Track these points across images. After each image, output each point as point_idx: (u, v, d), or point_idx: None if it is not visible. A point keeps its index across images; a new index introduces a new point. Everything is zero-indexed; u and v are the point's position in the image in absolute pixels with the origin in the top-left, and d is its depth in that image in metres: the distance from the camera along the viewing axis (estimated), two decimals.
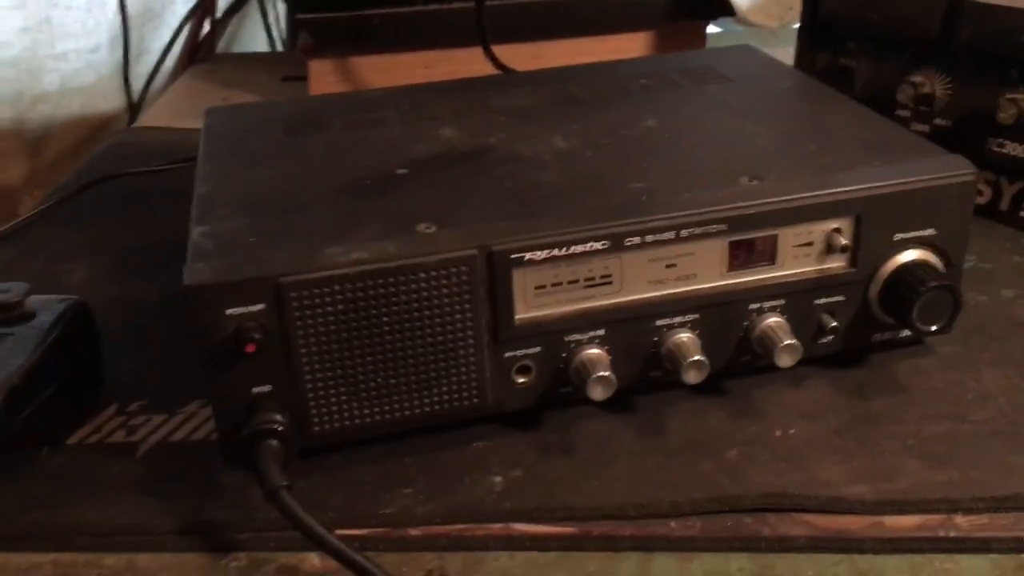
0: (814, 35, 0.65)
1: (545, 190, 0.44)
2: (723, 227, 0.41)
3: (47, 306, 0.45)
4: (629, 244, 0.40)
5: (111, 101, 1.05)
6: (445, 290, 0.39)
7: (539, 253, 0.40)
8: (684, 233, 0.41)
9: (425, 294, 0.39)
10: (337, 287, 0.38)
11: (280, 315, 0.38)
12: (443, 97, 0.56)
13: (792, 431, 0.42)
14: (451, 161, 0.47)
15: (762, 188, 0.42)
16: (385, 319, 0.39)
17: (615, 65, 0.62)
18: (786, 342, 0.42)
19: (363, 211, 0.42)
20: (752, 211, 0.41)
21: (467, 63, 0.79)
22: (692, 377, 0.42)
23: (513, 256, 0.39)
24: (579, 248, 0.40)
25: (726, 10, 0.79)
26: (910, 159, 0.44)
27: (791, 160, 0.45)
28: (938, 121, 0.59)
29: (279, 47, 1.11)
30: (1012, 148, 0.55)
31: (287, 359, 0.39)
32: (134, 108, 0.89)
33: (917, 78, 0.59)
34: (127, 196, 0.68)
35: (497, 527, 0.39)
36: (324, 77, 0.80)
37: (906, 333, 0.46)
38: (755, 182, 0.43)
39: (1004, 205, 0.58)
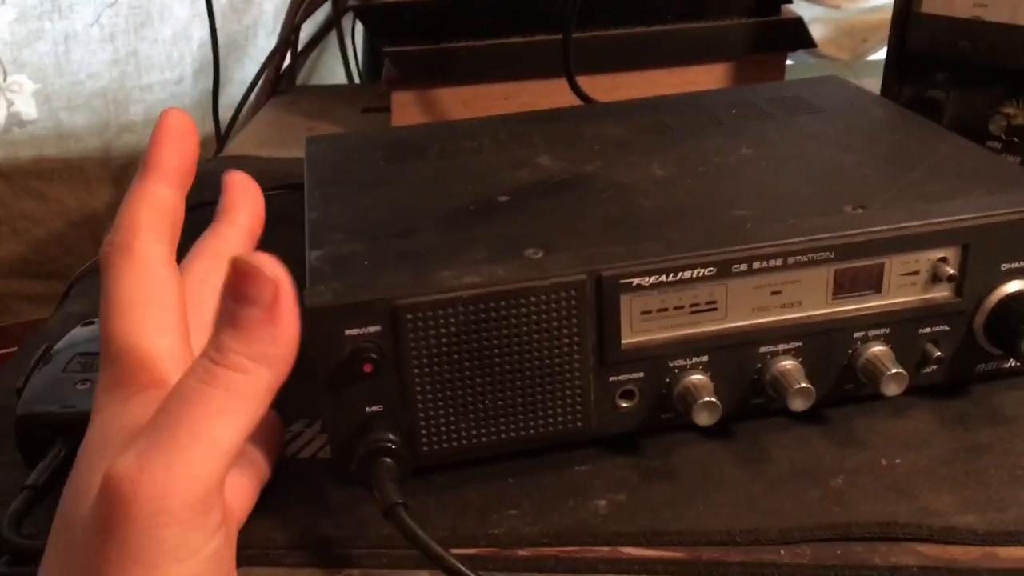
0: (902, 66, 0.65)
1: (648, 216, 0.44)
2: (830, 255, 0.41)
3: None
4: (736, 271, 0.41)
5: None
6: (554, 314, 0.40)
7: (647, 279, 0.40)
8: (791, 260, 0.41)
9: (535, 318, 0.40)
10: (451, 310, 0.39)
11: (395, 336, 0.39)
12: (535, 127, 0.58)
13: (897, 461, 0.42)
14: (551, 188, 0.48)
15: (867, 216, 0.42)
16: (495, 342, 0.40)
17: (702, 95, 0.62)
18: (893, 371, 0.42)
19: (470, 236, 0.43)
20: (859, 239, 0.41)
21: (545, 94, 0.80)
22: (799, 404, 0.42)
23: (622, 281, 0.40)
24: (686, 274, 0.40)
25: (806, 42, 0.80)
26: (1015, 188, 0.44)
27: (894, 189, 0.45)
28: None
29: (356, 79, 1.13)
30: None
31: (400, 379, 0.40)
32: (221, 138, 0.91)
33: (1010, 109, 0.58)
34: None
35: (605, 550, 0.39)
36: (407, 108, 0.81)
37: (1010, 364, 0.45)
38: (859, 210, 0.43)
39: None
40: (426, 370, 0.40)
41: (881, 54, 1.10)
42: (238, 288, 0.31)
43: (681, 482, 0.42)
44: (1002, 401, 0.45)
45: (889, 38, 0.65)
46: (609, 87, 0.78)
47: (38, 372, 0.43)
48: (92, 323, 0.47)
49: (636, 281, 0.40)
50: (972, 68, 0.61)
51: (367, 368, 0.39)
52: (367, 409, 0.40)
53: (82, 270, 0.65)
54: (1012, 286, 0.43)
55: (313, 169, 0.54)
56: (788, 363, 0.42)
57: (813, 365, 0.43)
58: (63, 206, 1.08)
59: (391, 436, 0.40)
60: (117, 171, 1.09)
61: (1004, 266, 0.43)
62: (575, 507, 0.41)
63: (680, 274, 0.40)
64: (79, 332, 0.46)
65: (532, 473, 0.43)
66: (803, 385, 0.41)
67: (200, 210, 0.73)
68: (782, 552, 0.38)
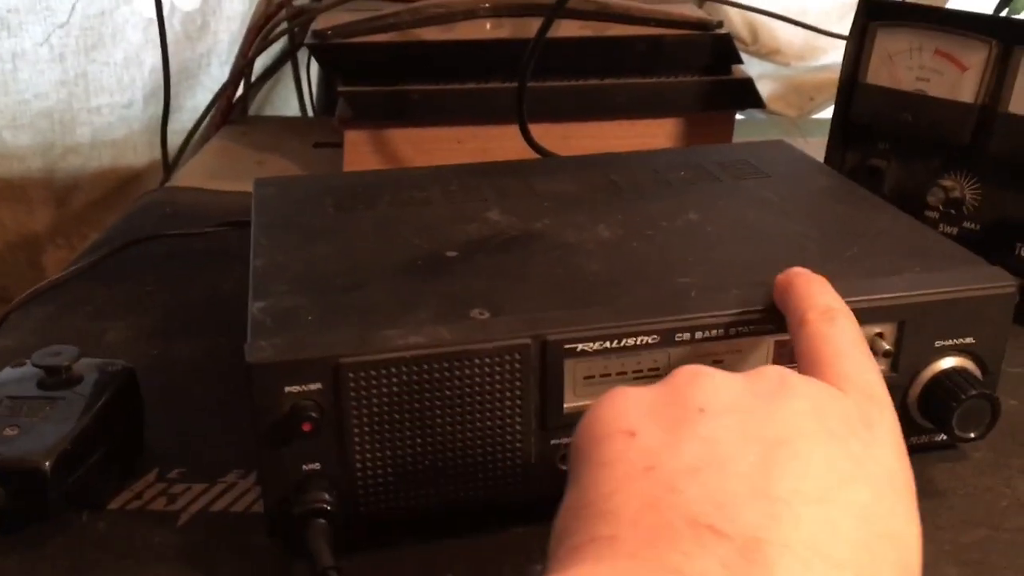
0: (846, 133, 0.67)
1: (594, 279, 0.45)
2: (770, 327, 0.42)
3: (94, 370, 0.45)
4: (679, 340, 0.41)
5: (141, 156, 1.07)
6: (498, 377, 0.40)
7: (592, 344, 0.40)
8: (732, 331, 0.42)
9: (478, 380, 0.40)
10: (394, 369, 0.39)
11: (336, 395, 0.38)
12: (486, 179, 0.58)
13: None
14: (500, 246, 0.49)
15: None
16: (437, 403, 0.40)
17: (654, 155, 0.63)
18: None
19: (417, 293, 0.43)
20: None
21: (498, 139, 0.81)
22: None
23: (566, 346, 0.40)
24: (631, 341, 0.41)
25: (755, 102, 0.82)
26: (952, 267, 0.45)
27: (835, 262, 0.46)
28: (967, 225, 0.60)
29: (309, 112, 1.13)
30: None
31: (339, 438, 0.39)
32: (169, 166, 0.90)
33: (947, 182, 0.60)
34: (165, 256, 0.69)
35: None
36: (359, 147, 0.81)
37: (941, 437, 0.46)
38: None
39: None
40: (366, 429, 0.39)
41: (828, 112, 1.13)
42: None
43: None
44: (933, 473, 0.46)
45: (835, 106, 0.67)
46: (561, 135, 0.79)
47: None
48: (23, 364, 0.45)
49: (581, 346, 0.40)
50: (913, 140, 0.63)
51: (306, 427, 0.38)
52: (304, 467, 0.40)
53: (19, 300, 0.63)
54: (945, 362, 0.44)
55: (261, 213, 0.53)
56: None
57: None
58: (1, 226, 1.06)
59: (327, 496, 0.39)
60: (60, 193, 1.06)
61: (938, 343, 0.44)
62: (512, 571, 0.41)
63: (624, 340, 0.41)
64: (8, 374, 0.45)
65: (470, 534, 0.43)
66: None
67: (147, 243, 0.72)
68: None
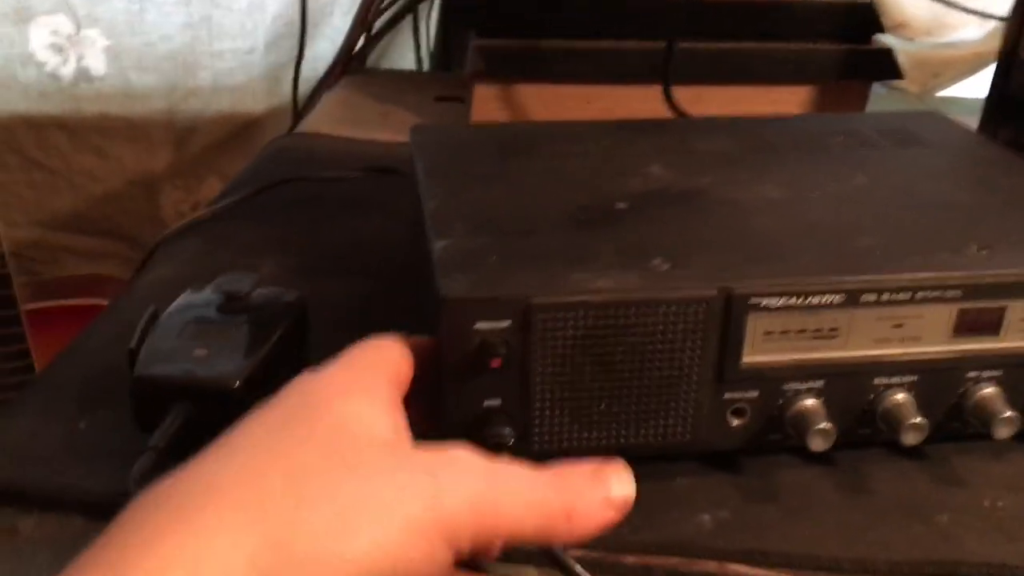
0: (1001, 106, 0.65)
1: (771, 237, 0.44)
2: (958, 293, 0.41)
3: (271, 298, 0.47)
4: (864, 300, 0.41)
5: (259, 102, 1.08)
6: (680, 327, 0.40)
7: (776, 300, 0.40)
8: (919, 295, 0.41)
9: (661, 328, 0.40)
10: (581, 313, 0.39)
11: (524, 334, 0.39)
12: (640, 135, 0.58)
13: (1000, 503, 0.42)
14: (668, 199, 0.48)
15: (994, 258, 0.42)
16: (619, 348, 0.40)
17: (805, 119, 0.63)
18: (1006, 414, 0.42)
19: (594, 241, 0.44)
20: (988, 280, 0.41)
21: (627, 101, 0.80)
22: (911, 439, 0.42)
23: (751, 301, 0.40)
24: (815, 299, 0.40)
25: (894, 72, 0.80)
26: None
27: (1015, 233, 0.45)
28: None
29: (425, 66, 1.13)
30: None
31: (522, 377, 0.40)
32: (298, 113, 0.91)
33: None
34: (305, 199, 0.71)
35: (712, 564, 0.39)
36: (487, 102, 0.81)
37: None
38: (984, 251, 0.43)
39: None
40: (549, 370, 0.40)
41: (952, 90, 1.10)
42: None
43: (784, 504, 0.42)
44: None
45: (992, 79, 0.65)
46: (694, 98, 0.78)
47: (151, 335, 0.43)
48: (202, 288, 0.47)
49: (765, 302, 0.40)
50: None
51: (495, 363, 0.39)
52: (485, 403, 0.40)
53: (168, 233, 0.65)
54: None
55: (423, 158, 0.54)
56: (901, 396, 0.42)
57: (925, 401, 0.43)
58: (122, 165, 1.08)
59: (507, 431, 0.40)
60: (180, 134, 1.08)
61: None
62: (679, 520, 0.41)
63: (810, 299, 0.40)
64: (191, 298, 0.46)
65: (637, 481, 0.43)
66: (917, 420, 0.41)
67: (276, 189, 0.73)
68: None
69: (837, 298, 0.41)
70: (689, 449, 0.43)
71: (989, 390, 0.43)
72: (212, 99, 1.07)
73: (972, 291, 0.41)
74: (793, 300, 0.40)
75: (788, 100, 0.80)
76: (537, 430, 0.41)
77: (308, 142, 0.83)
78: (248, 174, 0.78)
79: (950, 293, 0.41)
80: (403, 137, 0.58)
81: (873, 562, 0.39)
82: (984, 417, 0.42)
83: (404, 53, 1.13)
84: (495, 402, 0.40)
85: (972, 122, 0.69)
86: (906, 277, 0.41)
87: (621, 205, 0.48)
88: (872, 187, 0.50)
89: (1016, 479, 0.44)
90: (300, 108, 0.91)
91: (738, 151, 0.55)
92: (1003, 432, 0.42)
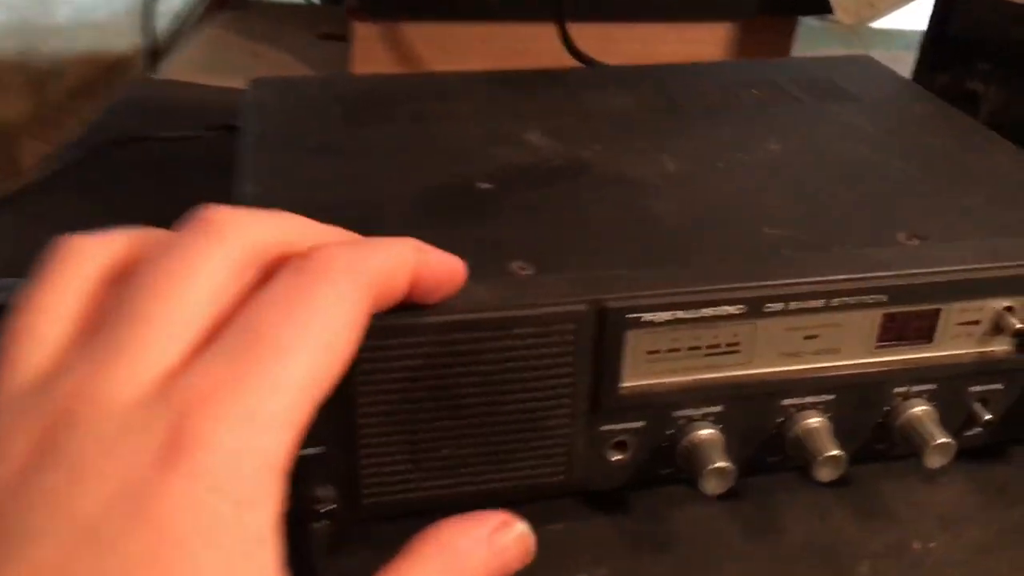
0: (938, 50, 0.57)
1: (661, 227, 0.36)
2: (883, 298, 0.34)
3: None
4: (770, 310, 0.33)
5: (125, 41, 0.96)
6: (544, 349, 0.32)
7: (661, 314, 0.32)
8: (836, 302, 0.33)
9: (518, 352, 0.32)
10: (415, 338, 0.31)
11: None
12: (523, 90, 0.49)
13: (932, 544, 0.36)
14: (542, 177, 0.40)
15: (928, 251, 0.35)
16: (466, 379, 0.32)
17: (717, 67, 0.54)
18: (938, 441, 0.35)
19: (446, 236, 0.35)
20: (919, 281, 0.34)
21: (529, 41, 0.71)
22: (825, 475, 0.35)
23: (629, 316, 0.32)
24: (710, 311, 0.33)
25: (822, 6, 0.71)
26: None
27: (954, 215, 0.37)
28: None
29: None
30: None
31: (345, 418, 0.32)
32: (156, 54, 0.80)
33: None
34: (146, 162, 0.60)
35: None
36: (369, 42, 0.71)
37: None
38: (916, 242, 0.35)
39: None
40: (379, 408, 0.32)
41: (885, 22, 1.02)
42: None
43: (676, 555, 0.35)
44: None
45: (930, 17, 0.57)
46: (602, 38, 0.69)
47: None
48: None
49: (648, 316, 0.32)
50: (1020, 60, 0.53)
51: None
52: (302, 451, 0.32)
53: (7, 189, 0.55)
54: None
55: (254, 121, 0.44)
56: (815, 421, 0.35)
57: (843, 422, 0.36)
58: None
59: (328, 492, 0.32)
60: (38, 78, 0.96)
61: None
62: None
63: (702, 311, 0.33)
64: None
65: None
66: (833, 453, 0.34)
67: (127, 147, 0.63)
68: None
69: (736, 308, 0.33)
70: (561, 491, 0.35)
71: (920, 408, 0.36)
72: (71, 37, 0.95)
73: (901, 293, 0.34)
74: (681, 313, 0.32)
75: (707, 39, 0.72)
76: (369, 480, 0.33)
77: (162, 90, 0.72)
78: (92, 129, 0.67)
79: (874, 297, 0.34)
80: None
81: None
82: (914, 441, 0.35)
83: None
84: (315, 450, 0.32)
85: (910, 58, 0.62)
86: (820, 280, 0.33)
87: (484, 186, 0.39)
88: (786, 156, 0.42)
89: (950, 509, 0.37)
90: (161, 49, 0.79)
91: (635, 111, 0.47)
92: (935, 462, 0.35)
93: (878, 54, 0.60)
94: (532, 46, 0.71)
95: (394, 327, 0.30)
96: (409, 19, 0.70)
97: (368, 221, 0.35)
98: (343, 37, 0.81)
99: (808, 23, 0.98)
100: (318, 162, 0.41)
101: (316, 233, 0.27)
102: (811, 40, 0.85)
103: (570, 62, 0.66)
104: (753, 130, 0.44)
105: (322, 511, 0.31)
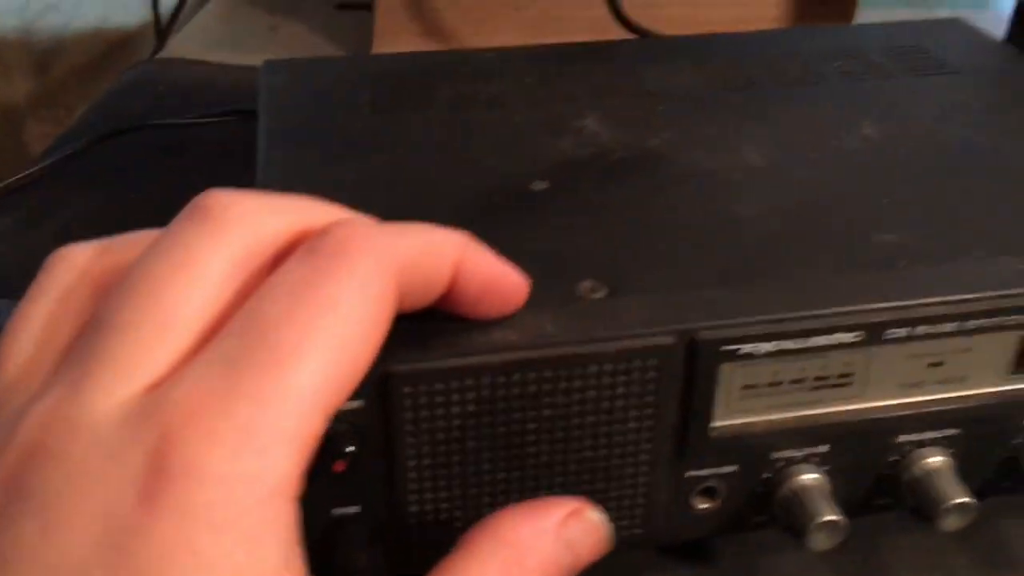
0: None
1: (753, 235, 0.31)
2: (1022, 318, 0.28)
3: None
4: (891, 336, 0.28)
5: (132, 14, 0.91)
6: (621, 389, 0.27)
7: (765, 345, 0.27)
8: (970, 324, 0.28)
9: (592, 394, 0.27)
10: (470, 381, 0.26)
11: (386, 415, 0.26)
12: (573, 68, 0.43)
13: None
14: (605, 173, 0.34)
15: None
16: (530, 425, 0.27)
17: (793, 36, 0.48)
18: None
19: (499, 250, 0.30)
20: None
21: (564, 6, 0.65)
22: (951, 525, 0.29)
23: (726, 348, 0.27)
24: (822, 340, 0.27)
25: None
26: None
27: None
28: None
29: None
30: None
31: (387, 473, 0.27)
32: (161, 32, 0.74)
33: None
34: (155, 149, 0.55)
35: None
36: (394, 11, 0.66)
37: None
38: None
39: None
40: (427, 462, 0.27)
41: None
42: None
43: None
44: None
45: None
46: (645, 4, 0.63)
47: None
48: None
49: (747, 348, 0.27)
50: None
51: (338, 467, 0.25)
52: (335, 512, 0.27)
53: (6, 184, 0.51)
54: None
55: (271, 115, 0.39)
56: (936, 461, 0.30)
57: (968, 459, 0.30)
58: None
59: (367, 558, 0.27)
60: (40, 56, 0.91)
61: None
62: None
63: (813, 339, 0.27)
64: None
65: None
66: (960, 501, 0.29)
67: (134, 134, 0.58)
68: None
69: (854, 336, 0.27)
70: (639, 544, 0.30)
71: None
72: (75, 13, 0.89)
73: None
74: (788, 343, 0.27)
75: (761, 1, 0.65)
76: (418, 542, 0.28)
77: (171, 70, 0.67)
78: (95, 114, 0.62)
79: (1016, 318, 0.28)
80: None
81: None
82: None
83: None
84: (351, 510, 0.27)
85: (984, 18, 0.55)
86: (951, 299, 0.28)
87: (540, 185, 0.34)
88: (886, 142, 0.36)
89: None
90: (168, 23, 0.74)
91: (704, 90, 0.41)
92: None
93: (947, 14, 0.54)
94: (573, 13, 0.65)
95: (440, 370, 0.25)
96: None
97: None
98: (366, 5, 0.75)
99: None
100: (342, 160, 0.35)
101: (340, 217, 0.22)
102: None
103: (617, 32, 0.60)
104: (843, 111, 0.39)
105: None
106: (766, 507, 0.30)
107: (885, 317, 0.27)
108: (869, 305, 0.27)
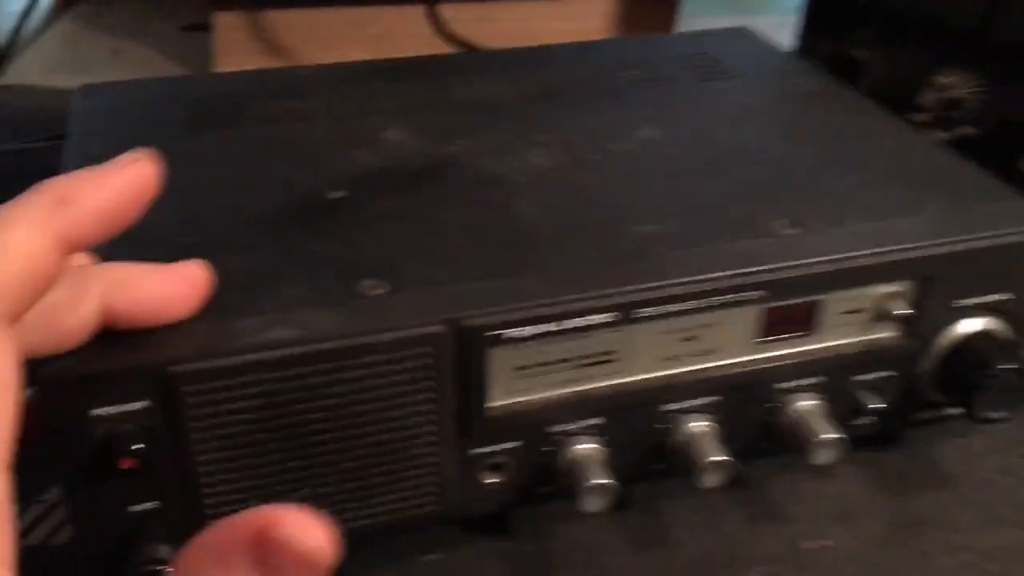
0: (821, 16, 0.56)
1: (527, 231, 0.34)
2: (761, 293, 0.32)
3: None
4: (641, 315, 0.31)
5: None
6: (398, 376, 0.29)
7: (525, 329, 0.30)
8: (712, 301, 0.31)
9: (371, 382, 0.29)
10: (252, 377, 0.28)
11: (171, 414, 0.27)
12: (386, 83, 0.45)
13: (825, 542, 0.34)
14: (401, 181, 0.37)
15: (807, 240, 0.33)
16: (316, 415, 0.29)
17: (595, 48, 0.52)
18: (824, 436, 0.33)
19: (287, 256, 0.32)
20: (797, 273, 0.32)
21: (402, 23, 0.68)
22: (711, 481, 0.33)
23: (490, 333, 0.29)
24: (578, 322, 0.30)
25: None
26: (979, 204, 0.35)
27: (832, 199, 0.36)
28: (964, 130, 0.51)
29: None
30: None
31: (180, 470, 0.28)
32: (3, 54, 0.74)
33: (945, 78, 0.50)
34: None
35: None
36: (233, 33, 0.67)
37: (953, 411, 0.38)
38: (796, 230, 0.34)
39: None
40: (217, 456, 0.28)
41: None
42: None
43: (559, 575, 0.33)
44: (942, 454, 0.38)
45: None
46: (478, 18, 0.67)
47: None
48: None
49: (510, 333, 0.30)
50: (906, 25, 0.52)
51: (125, 463, 0.27)
52: (131, 508, 0.29)
53: None
54: (970, 324, 0.35)
55: (81, 137, 0.40)
56: (700, 426, 0.33)
57: (730, 424, 0.34)
58: None
59: (164, 554, 0.28)
60: None
61: (963, 302, 0.35)
62: None
63: (569, 322, 0.30)
64: None
65: (368, 567, 0.33)
66: (716, 459, 0.32)
67: None
68: None
69: (606, 317, 0.30)
70: (435, 520, 0.33)
71: (808, 403, 0.34)
72: None
73: (779, 287, 0.32)
74: (547, 326, 0.30)
75: (588, 14, 0.69)
76: None
77: (7, 97, 0.66)
78: None
79: (752, 294, 0.32)
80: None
81: None
82: (803, 439, 0.34)
83: None
84: (148, 505, 0.29)
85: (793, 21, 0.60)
86: (693, 280, 0.31)
87: (336, 194, 0.36)
88: (660, 144, 0.40)
89: (844, 503, 0.36)
90: (5, 49, 0.73)
91: (506, 100, 0.44)
92: (823, 458, 0.34)
93: (767, 20, 0.59)
94: (408, 29, 0.67)
95: (220, 369, 0.27)
96: (273, 6, 0.66)
97: (199, 247, 0.32)
98: (207, 27, 0.76)
99: None
100: None
101: None
102: (698, 8, 0.83)
103: (447, 51, 0.63)
104: (629, 116, 0.42)
105: (160, 572, 0.28)
106: (550, 478, 0.33)
107: (634, 298, 0.30)
108: (619, 288, 0.30)
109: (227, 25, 0.66)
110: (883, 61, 0.53)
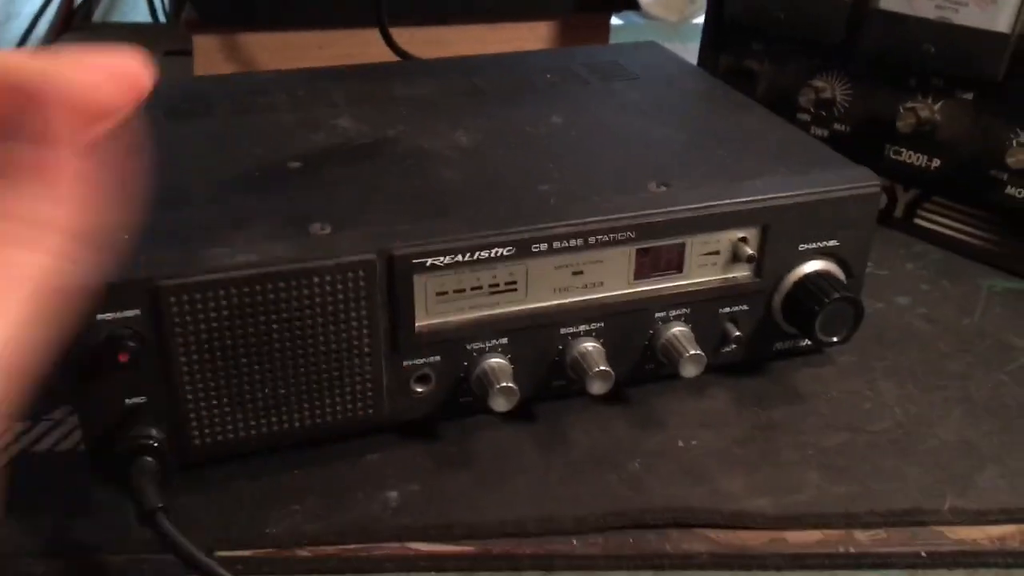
0: (718, 35, 0.64)
1: (448, 189, 0.42)
2: (631, 235, 0.40)
3: None
4: (536, 250, 0.39)
5: None
6: (340, 296, 0.37)
7: (442, 258, 0.38)
8: (592, 240, 0.39)
9: (318, 300, 0.37)
10: (222, 292, 0.35)
11: (157, 321, 0.35)
12: (339, 83, 0.54)
13: (694, 442, 0.42)
14: (348, 155, 0.45)
15: (670, 195, 0.41)
16: (274, 326, 0.36)
17: (520, 57, 0.60)
18: (690, 352, 0.41)
19: (252, 208, 0.40)
20: (660, 219, 0.40)
21: (363, 45, 0.76)
22: (597, 388, 0.40)
23: (415, 261, 0.37)
24: (484, 254, 0.38)
25: (629, 3, 0.79)
26: (816, 169, 0.44)
27: (699, 166, 0.44)
28: (837, 126, 0.59)
29: (161, 18, 1.04)
30: (909, 156, 0.56)
31: (164, 368, 0.36)
32: None
33: (819, 83, 0.59)
34: None
35: (393, 546, 0.37)
36: (210, 54, 0.75)
37: (806, 342, 0.46)
38: (663, 188, 0.42)
39: (899, 212, 0.59)
40: (194, 358, 0.36)
41: None
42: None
43: (478, 469, 0.40)
44: (797, 378, 0.46)
45: (708, 5, 0.64)
46: (429, 40, 0.75)
47: None
48: None
49: (431, 261, 0.38)
50: (786, 39, 0.61)
51: (122, 357, 0.34)
52: (126, 401, 0.36)
53: None
54: (809, 266, 0.43)
55: None
56: (589, 345, 0.41)
57: (614, 346, 0.42)
58: None
59: (152, 432, 0.36)
60: None
61: (802, 246, 0.43)
62: (365, 500, 0.38)
63: (477, 254, 0.38)
64: None
65: (320, 464, 0.40)
66: (601, 368, 0.40)
67: None
68: (575, 542, 0.37)
69: (507, 251, 0.38)
70: (375, 424, 0.40)
71: (677, 329, 0.42)
72: None
73: (645, 231, 0.40)
74: (460, 257, 0.38)
75: (528, 38, 0.78)
76: (195, 424, 0.37)
77: None
78: None
79: (623, 235, 0.40)
80: None
81: (559, 519, 0.38)
82: (672, 357, 0.42)
83: (136, 3, 1.03)
84: (138, 400, 0.36)
85: None
86: (575, 223, 0.39)
87: (295, 164, 0.44)
88: (566, 128, 0.48)
89: (712, 415, 0.43)
90: None
91: (439, 96, 0.52)
92: (690, 371, 0.41)
93: (695, 46, 0.67)
94: (366, 51, 0.75)
95: (196, 284, 0.35)
96: (245, 29, 0.74)
97: (180, 202, 0.39)
98: (188, 52, 0.84)
99: (635, 21, 1.06)
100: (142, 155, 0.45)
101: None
102: (636, 36, 0.92)
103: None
104: (541, 109, 0.50)
105: (147, 447, 0.35)
106: (468, 389, 0.40)
107: (528, 235, 0.38)
108: (517, 227, 0.38)
109: (205, 47, 0.74)
110: (771, 71, 0.62)
